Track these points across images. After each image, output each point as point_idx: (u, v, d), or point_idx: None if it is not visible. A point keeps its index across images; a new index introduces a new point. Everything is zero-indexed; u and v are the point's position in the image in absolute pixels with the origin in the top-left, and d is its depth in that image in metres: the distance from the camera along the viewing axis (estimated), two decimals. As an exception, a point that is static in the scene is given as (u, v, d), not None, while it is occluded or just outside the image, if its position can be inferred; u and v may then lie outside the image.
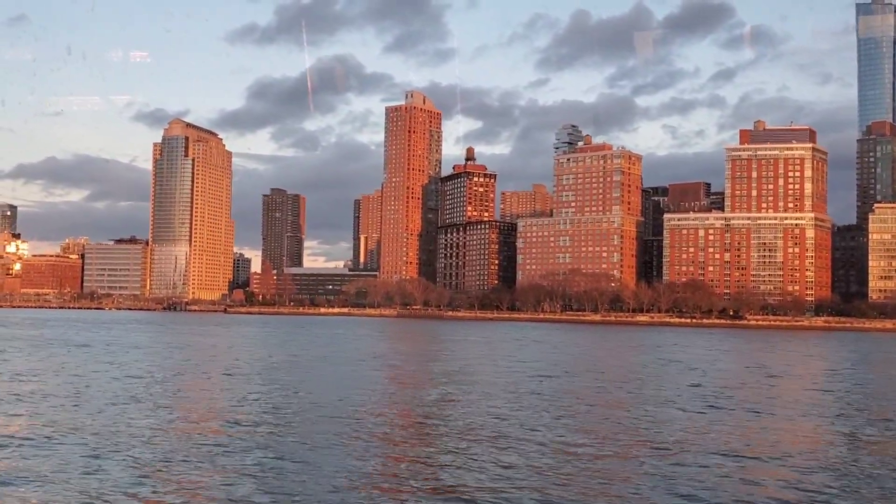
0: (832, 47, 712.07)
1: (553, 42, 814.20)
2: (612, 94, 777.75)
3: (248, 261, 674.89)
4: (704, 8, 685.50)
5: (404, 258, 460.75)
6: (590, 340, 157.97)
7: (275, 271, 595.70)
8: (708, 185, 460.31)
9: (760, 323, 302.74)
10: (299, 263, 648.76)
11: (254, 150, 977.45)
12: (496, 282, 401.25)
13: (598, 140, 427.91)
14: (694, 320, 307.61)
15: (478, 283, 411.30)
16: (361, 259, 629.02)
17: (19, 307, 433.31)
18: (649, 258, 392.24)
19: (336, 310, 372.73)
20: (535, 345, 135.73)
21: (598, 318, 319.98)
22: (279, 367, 78.59)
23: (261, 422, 42.26)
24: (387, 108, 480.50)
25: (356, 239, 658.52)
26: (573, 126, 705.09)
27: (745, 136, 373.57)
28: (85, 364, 76.55)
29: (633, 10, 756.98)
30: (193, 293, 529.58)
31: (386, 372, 74.28)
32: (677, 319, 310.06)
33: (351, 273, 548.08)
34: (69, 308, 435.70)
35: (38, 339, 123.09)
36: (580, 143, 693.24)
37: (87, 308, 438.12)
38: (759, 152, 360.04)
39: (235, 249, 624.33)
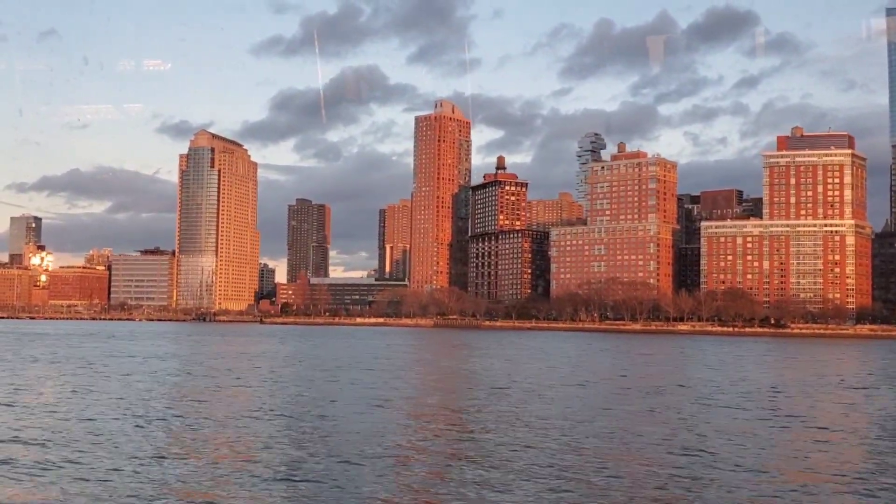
0: (856, 53, 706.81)
1: (576, 51, 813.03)
2: (634, 103, 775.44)
3: (273, 271, 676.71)
4: (728, 16, 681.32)
5: (434, 267, 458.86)
6: (658, 350, 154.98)
7: (299, 281, 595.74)
8: (740, 192, 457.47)
9: (804, 331, 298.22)
10: (325, 273, 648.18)
11: (275, 160, 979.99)
12: (529, 291, 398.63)
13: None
14: (736, 329, 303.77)
15: (511, 292, 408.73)
16: (387, 268, 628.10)
17: (51, 318, 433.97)
18: (684, 266, 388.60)
19: (371, 319, 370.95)
20: (617, 355, 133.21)
21: (638, 326, 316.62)
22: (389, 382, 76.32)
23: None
24: (416, 118, 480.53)
25: (381, 248, 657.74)
26: (596, 134, 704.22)
27: (783, 143, 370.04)
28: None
29: (657, 18, 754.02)
30: (220, 304, 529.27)
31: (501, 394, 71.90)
32: (719, 328, 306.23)
33: (378, 283, 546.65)
34: (100, 319, 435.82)
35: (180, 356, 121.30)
36: (603, 151, 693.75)
37: (118, 319, 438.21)
38: (797, 159, 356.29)
39: (259, 259, 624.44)
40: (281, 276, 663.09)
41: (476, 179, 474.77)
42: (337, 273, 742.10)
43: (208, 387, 66.49)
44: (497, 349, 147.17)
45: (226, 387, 66.83)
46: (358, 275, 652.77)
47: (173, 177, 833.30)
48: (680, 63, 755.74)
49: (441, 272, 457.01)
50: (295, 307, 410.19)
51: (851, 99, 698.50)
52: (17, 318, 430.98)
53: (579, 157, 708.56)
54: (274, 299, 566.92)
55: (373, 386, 68.04)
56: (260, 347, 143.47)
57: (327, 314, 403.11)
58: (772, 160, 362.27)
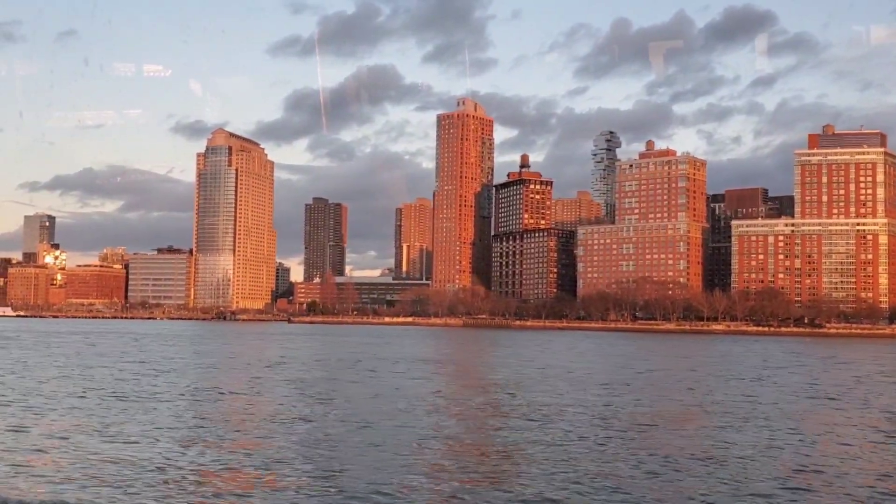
0: (872, 53, 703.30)
1: (593, 51, 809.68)
2: (648, 102, 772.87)
3: (287, 270, 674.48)
4: (746, 15, 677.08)
5: (457, 266, 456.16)
6: (756, 351, 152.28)
7: (319, 280, 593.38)
8: (765, 190, 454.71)
9: (840, 331, 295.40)
10: (341, 273, 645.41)
11: (288, 160, 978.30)
12: (555, 290, 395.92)
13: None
14: (772, 329, 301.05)
15: (536, 291, 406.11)
16: (404, 267, 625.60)
17: (73, 317, 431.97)
18: (711, 265, 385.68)
19: (400, 319, 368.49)
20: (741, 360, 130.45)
21: (672, 326, 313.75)
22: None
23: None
24: (438, 116, 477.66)
25: (398, 247, 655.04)
26: (611, 132, 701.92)
27: (814, 141, 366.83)
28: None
29: (675, 18, 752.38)
30: (237, 302, 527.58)
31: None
32: (754, 328, 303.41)
33: (396, 282, 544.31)
34: (122, 318, 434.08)
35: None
36: (619, 150, 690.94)
37: (139, 318, 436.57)
38: (829, 157, 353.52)
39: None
40: (296, 275, 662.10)
41: (501, 178, 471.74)
42: (346, 272, 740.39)
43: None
44: (579, 352, 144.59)
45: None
46: (372, 274, 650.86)
47: (186, 176, 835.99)
48: (696, 63, 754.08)
49: (464, 271, 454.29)
50: (322, 306, 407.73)
51: (867, 98, 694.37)
52: (41, 316, 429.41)
53: (594, 155, 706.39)
54: (291, 298, 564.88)
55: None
56: (333, 350, 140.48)
57: (355, 313, 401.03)
58: (803, 158, 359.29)
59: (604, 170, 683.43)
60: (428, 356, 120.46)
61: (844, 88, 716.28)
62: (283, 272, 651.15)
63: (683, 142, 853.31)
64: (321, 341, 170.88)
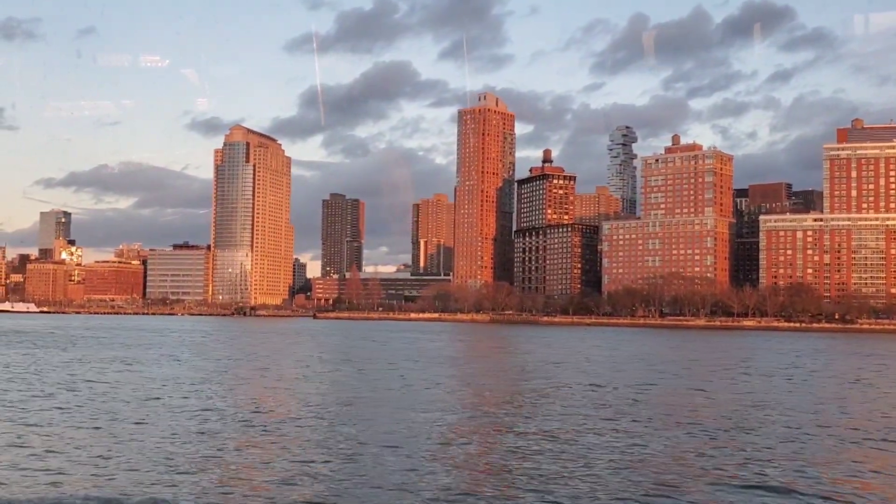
0: (890, 47, 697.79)
1: (610, 46, 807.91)
2: (664, 97, 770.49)
3: (304, 265, 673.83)
4: (764, 10, 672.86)
5: (479, 262, 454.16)
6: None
7: (336, 275, 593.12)
8: (789, 185, 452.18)
9: (874, 327, 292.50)
10: (358, 269, 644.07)
11: (303, 156, 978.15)
12: (579, 286, 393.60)
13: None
14: (803, 325, 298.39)
15: (559, 287, 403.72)
16: (422, 263, 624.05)
17: (95, 313, 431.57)
18: (736, 260, 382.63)
19: (426, 315, 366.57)
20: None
21: (702, 323, 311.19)
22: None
23: None
24: (460, 111, 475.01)
25: (415, 243, 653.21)
26: (627, 127, 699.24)
27: (843, 135, 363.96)
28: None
29: (692, 13, 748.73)
30: (255, 298, 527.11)
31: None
32: (785, 324, 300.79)
33: (416, 278, 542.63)
34: (143, 314, 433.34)
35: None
36: (635, 145, 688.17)
37: (161, 314, 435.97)
38: (858, 151, 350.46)
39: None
40: (313, 271, 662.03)
41: (523, 173, 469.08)
42: (363, 268, 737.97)
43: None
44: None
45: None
46: (386, 269, 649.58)
47: (201, 172, 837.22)
48: (713, 58, 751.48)
49: (485, 267, 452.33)
50: (347, 303, 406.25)
51: (884, 93, 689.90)
52: (64, 312, 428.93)
53: (610, 150, 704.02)
54: (309, 294, 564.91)
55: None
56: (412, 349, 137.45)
57: (380, 309, 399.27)
58: (832, 152, 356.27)
59: (620, 165, 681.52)
60: (503, 351, 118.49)
61: (862, 83, 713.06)
62: (298, 268, 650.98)
63: (698, 137, 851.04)
64: (376, 339, 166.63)
